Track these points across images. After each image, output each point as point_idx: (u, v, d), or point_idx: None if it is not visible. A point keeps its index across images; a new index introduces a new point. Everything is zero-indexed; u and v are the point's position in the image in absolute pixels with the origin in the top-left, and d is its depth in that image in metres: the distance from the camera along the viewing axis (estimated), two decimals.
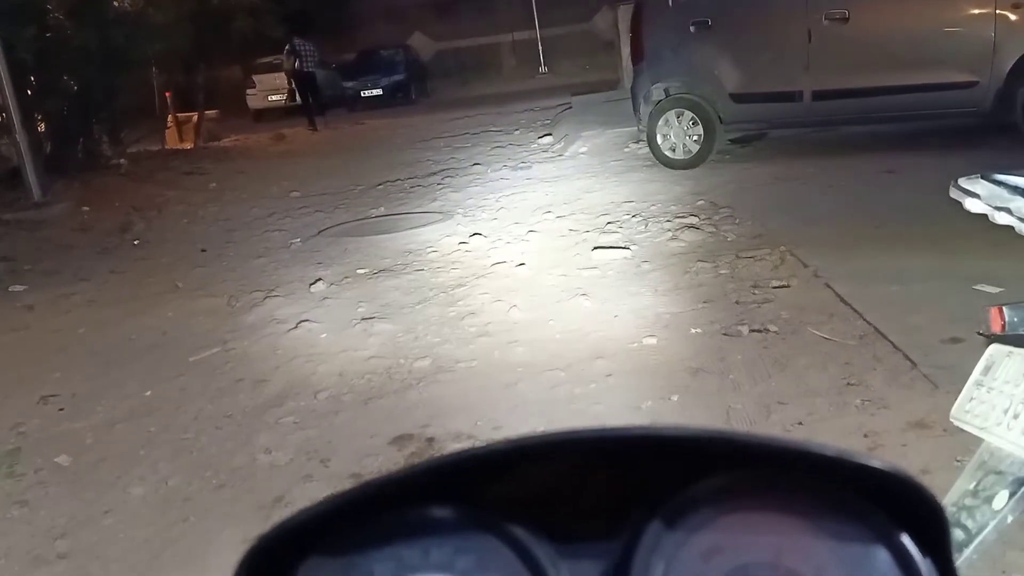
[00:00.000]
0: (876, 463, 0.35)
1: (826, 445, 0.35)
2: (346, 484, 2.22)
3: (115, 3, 10.90)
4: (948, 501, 1.12)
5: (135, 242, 6.72)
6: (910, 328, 3.15)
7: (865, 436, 2.48)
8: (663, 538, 0.36)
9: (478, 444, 0.37)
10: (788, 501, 0.36)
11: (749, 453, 0.36)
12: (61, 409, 3.44)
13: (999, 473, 1.07)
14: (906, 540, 0.36)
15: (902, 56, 6.04)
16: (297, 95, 15.62)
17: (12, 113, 8.36)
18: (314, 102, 15.31)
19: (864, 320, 3.30)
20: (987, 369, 1.14)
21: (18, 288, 5.52)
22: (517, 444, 0.36)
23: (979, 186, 1.22)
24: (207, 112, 14.25)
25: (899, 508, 0.36)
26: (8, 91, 8.30)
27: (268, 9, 14.63)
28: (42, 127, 9.96)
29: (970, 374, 1.24)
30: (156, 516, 2.54)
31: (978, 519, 1.05)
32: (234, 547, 2.31)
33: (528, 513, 0.37)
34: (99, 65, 9.62)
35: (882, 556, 0.36)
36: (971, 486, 1.08)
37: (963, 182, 1.23)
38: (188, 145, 13.13)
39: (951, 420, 1.14)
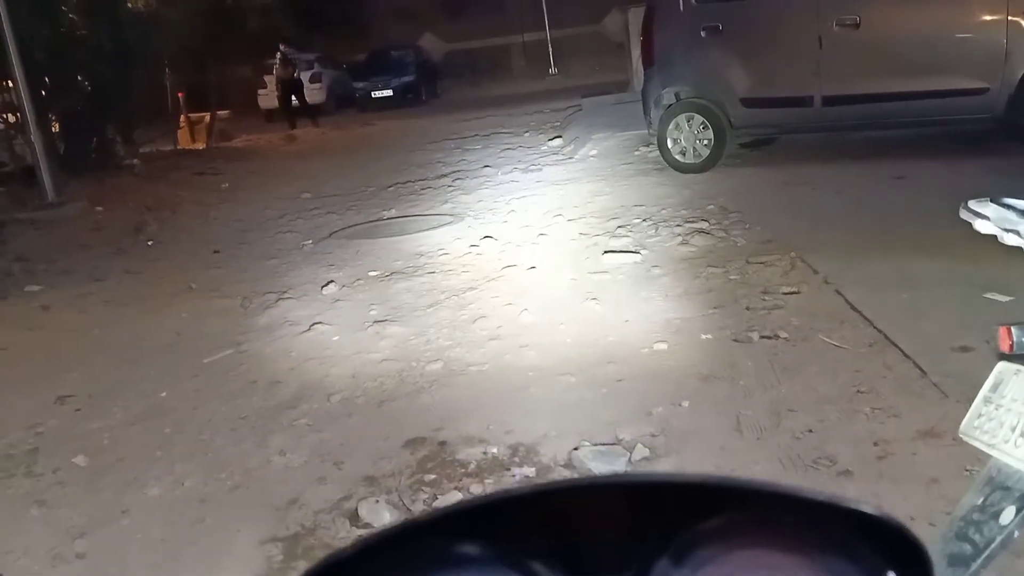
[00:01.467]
0: (867, 508, 0.39)
1: (821, 491, 0.39)
2: (359, 487, 2.25)
3: (129, 3, 10.99)
4: (956, 515, 1.14)
5: (149, 242, 6.78)
6: (920, 336, 3.16)
7: (875, 444, 2.49)
8: (670, 573, 0.40)
9: (499, 488, 0.42)
10: (787, 540, 0.40)
11: (751, 496, 0.40)
12: (78, 409, 3.48)
13: (1006, 489, 1.09)
14: None
15: (913, 62, 6.04)
16: (284, 100, 15.87)
17: (27, 113, 8.44)
18: (301, 106, 15.65)
19: (874, 327, 3.31)
20: (995, 386, 1.16)
21: (34, 288, 5.58)
22: (537, 488, 0.40)
23: (988, 208, 1.24)
24: (219, 112, 14.34)
25: (887, 549, 0.39)
26: (23, 91, 8.38)
27: (280, 9, 14.71)
28: (56, 127, 10.05)
29: (981, 384, 1.26)
30: (173, 516, 2.57)
31: (985, 534, 1.07)
32: (250, 547, 2.35)
33: (546, 550, 0.41)
34: (113, 65, 9.70)
35: None
36: (979, 501, 1.10)
37: (973, 204, 1.25)
38: (200, 145, 13.21)
39: (960, 435, 1.16)
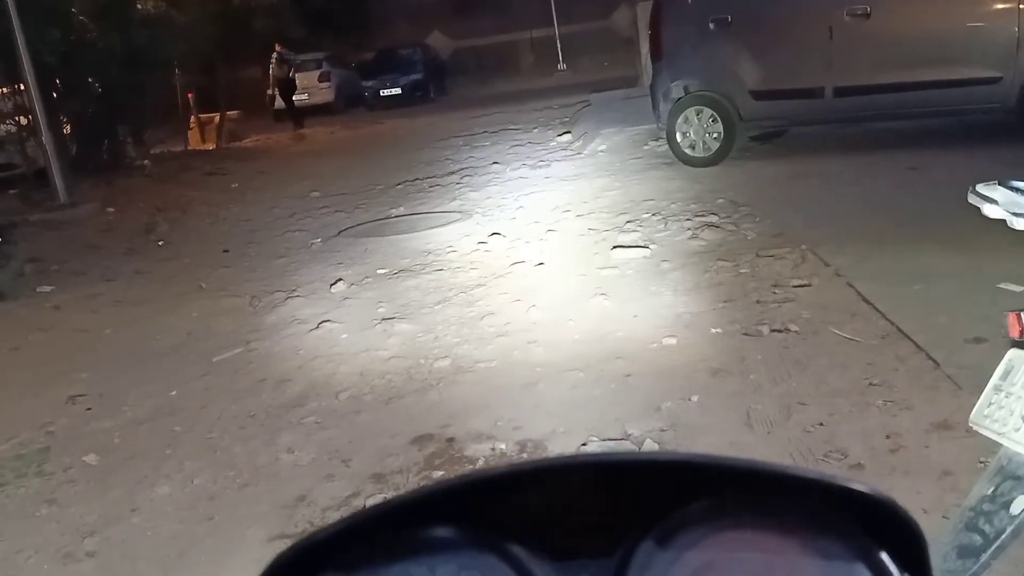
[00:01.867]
0: (858, 486, 0.37)
1: (810, 469, 0.37)
2: (367, 484, 2.24)
3: (139, 5, 11.04)
4: (966, 506, 1.12)
5: (159, 243, 6.81)
6: (933, 328, 3.13)
7: (887, 437, 2.47)
8: (655, 556, 0.39)
9: (480, 467, 0.40)
10: (776, 521, 0.38)
11: (738, 477, 0.38)
12: (89, 408, 3.50)
13: (1017, 478, 1.07)
14: (885, 558, 0.38)
15: (924, 52, 5.98)
16: (282, 100, 15.93)
17: (38, 115, 8.50)
18: (288, 108, 15.74)
19: (886, 320, 3.28)
20: (1006, 374, 1.14)
21: (46, 288, 5.61)
22: (516, 468, 0.39)
23: (997, 192, 1.22)
24: (228, 112, 14.38)
25: (881, 528, 0.38)
26: (34, 93, 8.43)
27: (288, 10, 14.75)
28: (67, 129, 10.11)
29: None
30: (182, 514, 2.58)
31: (996, 524, 1.05)
32: (259, 545, 2.35)
33: (527, 533, 0.40)
34: (123, 67, 9.75)
35: (863, 573, 0.37)
36: (989, 491, 1.08)
37: (981, 188, 1.22)
38: (210, 145, 13.27)
39: (970, 425, 1.14)
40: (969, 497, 1.11)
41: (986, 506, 1.06)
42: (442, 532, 0.39)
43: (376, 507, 0.38)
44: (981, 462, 2.27)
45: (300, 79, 19.01)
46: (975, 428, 1.13)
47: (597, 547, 0.39)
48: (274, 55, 15.51)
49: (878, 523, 0.38)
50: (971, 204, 1.25)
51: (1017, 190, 1.18)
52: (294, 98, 18.96)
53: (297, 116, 15.73)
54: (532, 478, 0.39)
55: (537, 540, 0.39)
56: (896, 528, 0.38)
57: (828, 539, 0.38)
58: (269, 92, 16.17)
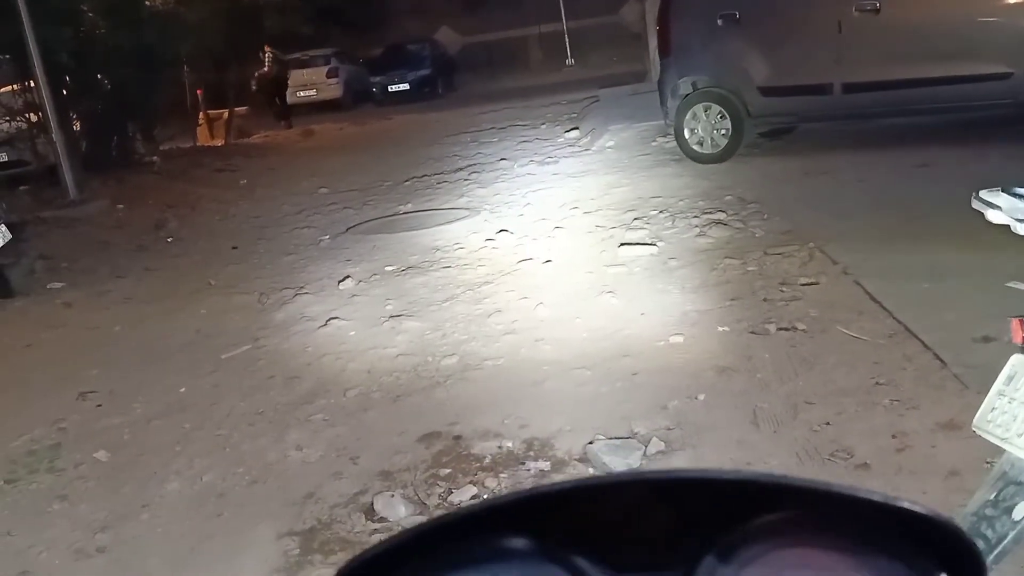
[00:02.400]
0: (920, 509, 0.38)
1: (874, 491, 0.38)
2: (375, 481, 2.26)
3: (148, 3, 11.07)
4: (968, 511, 1.12)
5: (169, 240, 6.84)
6: (941, 326, 3.12)
7: (893, 436, 2.47)
8: (717, 570, 0.39)
9: (544, 482, 0.41)
10: (836, 540, 0.39)
11: (798, 496, 0.39)
12: (99, 405, 3.53)
13: (1020, 484, 1.07)
14: None
15: (935, 47, 5.94)
16: (270, 97, 15.91)
17: (48, 112, 8.54)
18: (280, 107, 15.74)
19: (894, 318, 3.27)
20: (1009, 379, 1.14)
21: (56, 285, 5.65)
22: (580, 483, 0.40)
23: (1000, 198, 1.22)
24: (237, 109, 14.42)
25: (940, 552, 0.38)
26: (44, 90, 8.47)
27: (297, 6, 14.76)
28: (78, 126, 10.16)
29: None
30: (192, 511, 2.60)
31: (998, 529, 1.06)
32: (267, 541, 2.37)
33: (590, 545, 0.40)
34: (133, 64, 9.78)
35: None
36: (991, 496, 1.08)
37: (984, 194, 1.23)
38: (219, 142, 13.30)
39: (973, 429, 1.14)
40: (971, 502, 1.11)
41: (988, 511, 1.07)
42: (506, 542, 0.40)
43: (439, 518, 0.39)
44: (988, 462, 2.27)
45: (308, 75, 19.08)
46: (979, 432, 1.14)
47: (659, 560, 0.40)
48: (264, 55, 15.49)
49: (937, 546, 0.38)
50: (975, 209, 1.25)
51: (1020, 196, 1.19)
52: (299, 95, 19.07)
53: (286, 115, 15.71)
54: (596, 493, 0.41)
55: (600, 553, 0.40)
56: (956, 553, 0.38)
57: (888, 560, 0.39)
58: (256, 88, 16.12)
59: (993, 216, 1.22)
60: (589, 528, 0.40)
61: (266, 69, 15.77)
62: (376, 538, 2.31)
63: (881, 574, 0.38)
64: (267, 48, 15.64)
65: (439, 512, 2.46)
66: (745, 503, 0.40)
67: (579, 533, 0.40)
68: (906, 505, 0.38)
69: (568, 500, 0.40)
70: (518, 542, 0.40)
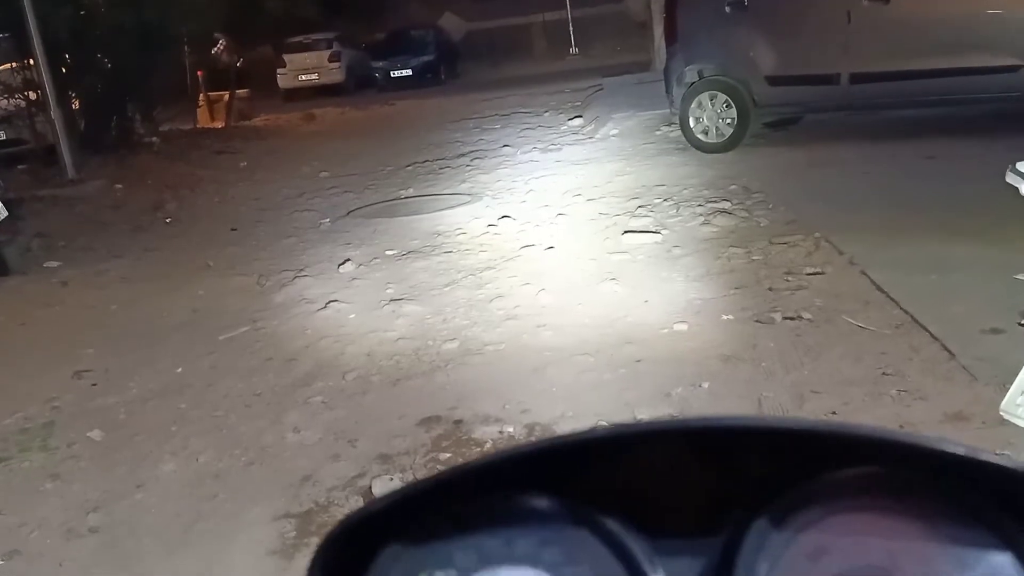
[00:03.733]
0: (1005, 463, 0.32)
1: (949, 440, 0.32)
2: (373, 465, 2.21)
3: None
4: None
5: (167, 220, 6.79)
6: (949, 318, 3.08)
7: (901, 427, 2.43)
8: (769, 537, 0.34)
9: (567, 432, 0.35)
10: (905, 502, 0.33)
11: (864, 448, 0.33)
12: (94, 384, 3.48)
13: None
14: None
15: (943, 39, 5.88)
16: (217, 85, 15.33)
17: (47, 91, 8.46)
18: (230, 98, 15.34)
19: (901, 309, 3.23)
20: None
21: (53, 264, 5.60)
22: (611, 432, 0.34)
23: None
24: (238, 91, 14.32)
25: None
26: (43, 69, 8.40)
27: None
28: (77, 105, 10.07)
29: (1012, 366, 1.20)
30: (187, 492, 2.56)
31: None
32: (263, 523, 2.33)
33: (622, 505, 0.35)
34: (133, 44, 9.70)
35: (1007, 562, 0.33)
36: None
37: (1021, 166, 1.18)
38: (219, 124, 13.21)
39: (1001, 413, 1.10)
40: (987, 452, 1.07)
41: None
42: (523, 500, 0.35)
43: (447, 472, 0.34)
44: (997, 454, 2.24)
45: (310, 59, 18.97)
46: (1006, 417, 1.09)
47: (701, 524, 0.35)
48: (220, 42, 14.87)
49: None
50: (1008, 184, 1.21)
51: None
52: (300, 79, 18.95)
53: (227, 111, 15.12)
54: (629, 444, 0.35)
55: (633, 514, 0.35)
56: None
57: (963, 523, 0.33)
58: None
59: None
60: (621, 485, 0.35)
61: (227, 59, 14.92)
62: None
63: (955, 539, 0.33)
64: (219, 37, 14.75)
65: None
66: (801, 457, 0.34)
67: (609, 491, 0.35)
68: (990, 459, 0.32)
69: (597, 452, 0.35)
70: (539, 501, 0.35)
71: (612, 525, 0.35)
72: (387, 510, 0.34)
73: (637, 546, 0.34)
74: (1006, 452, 2.19)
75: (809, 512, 0.34)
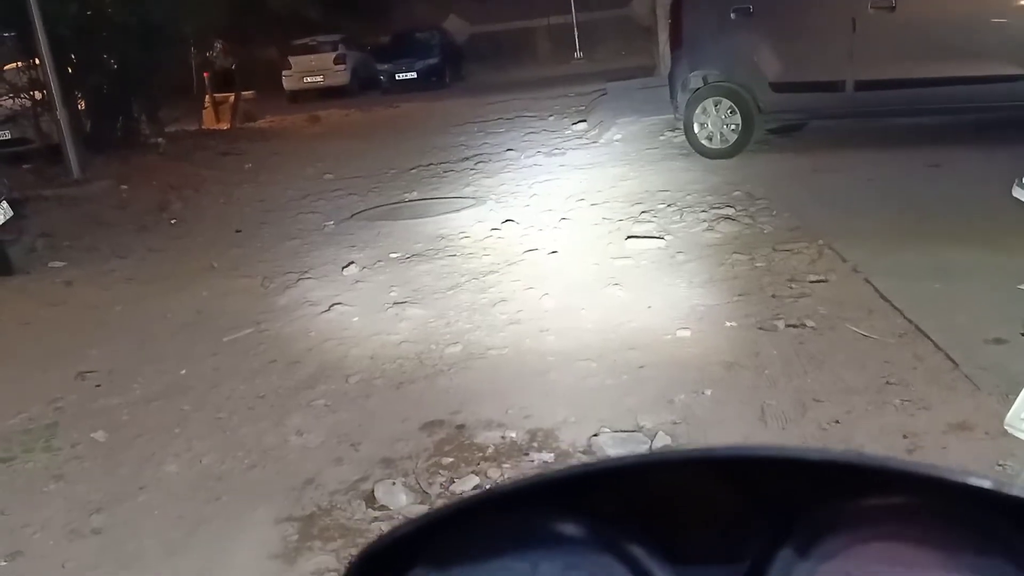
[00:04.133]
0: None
1: (976, 473, 0.32)
2: (376, 468, 2.22)
3: None
4: None
5: (172, 221, 6.80)
6: (952, 327, 3.08)
7: (904, 437, 2.43)
8: (793, 566, 0.34)
9: (594, 459, 0.36)
10: (929, 532, 0.34)
11: (889, 479, 0.34)
12: (98, 385, 3.49)
13: None
14: None
15: (948, 47, 5.88)
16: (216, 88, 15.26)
17: (53, 91, 8.49)
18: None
19: (904, 318, 3.23)
20: None
21: (57, 264, 5.61)
22: (638, 460, 0.35)
23: None
24: (244, 93, 14.34)
25: None
26: (49, 68, 8.42)
27: None
28: (82, 105, 10.10)
29: (1015, 376, 1.20)
30: (189, 494, 2.56)
31: None
32: (266, 526, 2.33)
33: (647, 532, 0.35)
34: (139, 44, 9.72)
35: None
36: None
37: None
38: (225, 125, 13.24)
39: (1005, 427, 1.10)
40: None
41: None
42: (549, 524, 0.35)
43: (476, 496, 0.35)
44: (1000, 464, 2.24)
45: (315, 61, 19.01)
46: (1011, 431, 1.10)
47: (725, 551, 0.35)
48: (217, 45, 14.85)
49: None
50: (1015, 198, 1.21)
51: None
52: (305, 81, 18.98)
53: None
54: (655, 471, 0.35)
55: (658, 541, 0.35)
56: None
57: (986, 554, 0.33)
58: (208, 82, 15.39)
59: None
60: (646, 512, 0.35)
61: (224, 62, 14.88)
62: (376, 526, 2.27)
63: (982, 573, 0.33)
64: (217, 42, 14.66)
65: (441, 502, 2.44)
66: (824, 487, 0.34)
67: (635, 517, 0.35)
68: (1015, 492, 0.32)
69: (623, 478, 0.35)
70: (565, 525, 0.35)
71: (637, 551, 0.35)
72: (413, 534, 0.35)
73: (661, 572, 0.35)
74: (1008, 463, 2.19)
75: (833, 541, 0.34)
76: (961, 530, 0.33)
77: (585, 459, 2.51)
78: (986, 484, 0.32)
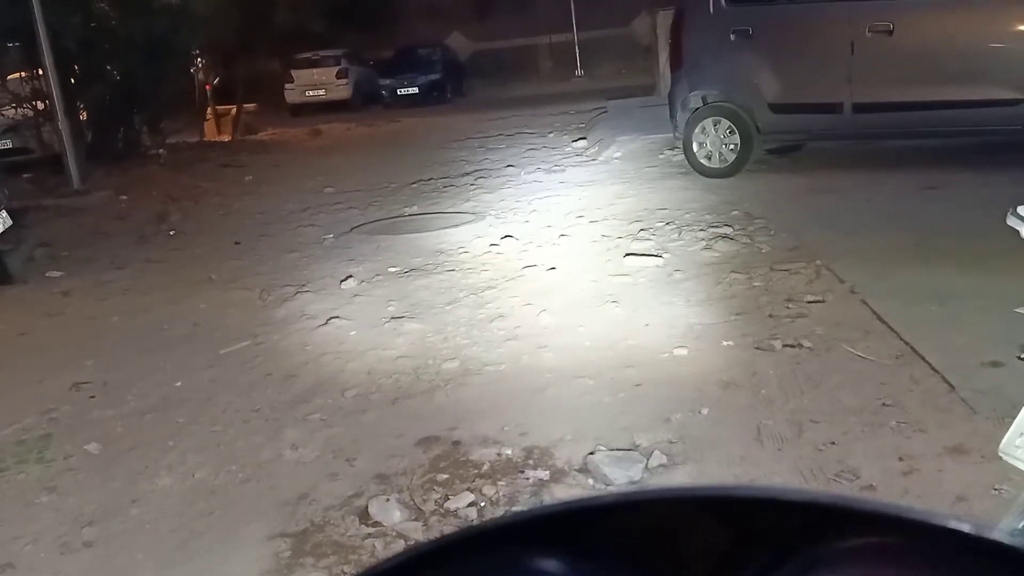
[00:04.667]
0: (1009, 543, 0.32)
1: (962, 518, 0.32)
2: (371, 484, 2.21)
3: None
4: None
5: (171, 232, 6.80)
6: (949, 349, 3.08)
7: (900, 459, 2.42)
8: None
9: (579, 496, 0.36)
10: (911, 573, 0.34)
11: (869, 521, 0.34)
12: (93, 397, 3.48)
13: None
14: None
15: (946, 71, 5.92)
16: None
17: (55, 101, 8.52)
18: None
19: (901, 339, 3.23)
20: None
21: (55, 274, 5.61)
22: (620, 499, 0.35)
23: None
24: (245, 105, 14.40)
25: None
26: (52, 79, 8.46)
27: (310, 5, 14.76)
28: (84, 116, 10.14)
29: (1012, 400, 1.20)
30: (182, 508, 2.55)
31: None
32: (258, 542, 2.32)
33: (632, 570, 0.35)
34: (142, 56, 9.77)
35: None
36: (1020, 525, 1.04)
37: (1022, 210, 1.18)
38: (226, 137, 13.29)
39: (1000, 454, 1.09)
40: (996, 531, 1.06)
41: (1017, 541, 1.02)
42: (533, 563, 0.35)
43: (456, 534, 0.35)
44: (996, 489, 2.23)
45: (318, 75, 19.10)
46: (1005, 458, 1.09)
47: None
48: (199, 59, 14.84)
49: None
50: (1009, 227, 1.21)
51: None
52: (307, 94, 19.07)
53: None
54: (634, 510, 0.36)
55: None
56: None
57: None
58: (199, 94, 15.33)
59: None
60: (632, 551, 0.35)
61: (198, 76, 14.83)
62: (369, 543, 2.26)
63: None
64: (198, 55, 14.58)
65: (435, 519, 2.43)
66: (806, 528, 0.34)
67: (620, 556, 0.35)
68: (1000, 539, 0.32)
69: (610, 516, 0.35)
70: (552, 564, 0.35)
71: None
72: (391, 572, 0.34)
73: None
74: (1004, 488, 2.18)
75: None
76: (941, 571, 0.33)
77: (580, 477, 2.51)
78: (972, 529, 0.32)
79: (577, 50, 23.80)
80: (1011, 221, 1.21)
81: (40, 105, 9.35)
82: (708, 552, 0.35)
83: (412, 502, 2.44)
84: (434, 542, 0.34)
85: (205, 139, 12.82)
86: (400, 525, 2.32)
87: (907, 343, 3.19)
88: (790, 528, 0.34)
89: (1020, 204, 1.20)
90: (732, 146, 6.80)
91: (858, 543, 0.34)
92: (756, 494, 0.35)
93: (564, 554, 0.35)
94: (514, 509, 2.32)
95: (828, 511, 0.35)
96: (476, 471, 2.58)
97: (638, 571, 0.35)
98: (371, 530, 2.33)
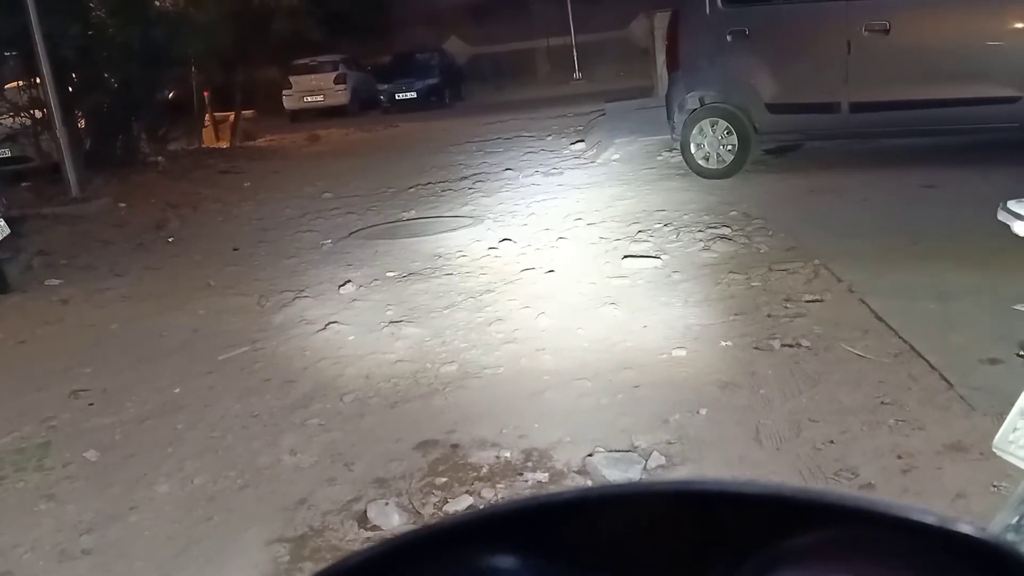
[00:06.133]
0: (982, 536, 0.32)
1: (926, 510, 0.32)
2: (369, 489, 2.21)
3: (157, 2, 11.08)
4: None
5: (170, 239, 6.81)
6: (947, 347, 3.08)
7: (899, 457, 2.42)
8: None
9: (542, 492, 0.36)
10: (879, 567, 0.33)
11: (838, 514, 0.34)
12: (91, 404, 3.48)
13: None
14: None
15: (943, 69, 5.92)
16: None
17: (53, 109, 8.52)
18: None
19: (899, 338, 3.23)
20: None
21: (54, 282, 5.61)
22: (581, 494, 0.35)
23: None
24: (244, 112, 14.41)
25: None
26: (50, 87, 8.46)
27: (307, 11, 14.79)
28: (82, 123, 10.15)
29: (1009, 397, 1.19)
30: (181, 514, 2.55)
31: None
32: (257, 547, 2.32)
33: (591, 568, 0.35)
34: (140, 63, 9.79)
35: None
36: (1013, 521, 1.04)
37: (1012, 204, 1.18)
38: (224, 144, 13.30)
39: (994, 450, 1.09)
40: (991, 527, 1.06)
41: (1010, 536, 1.02)
42: (495, 562, 0.35)
43: (416, 532, 0.34)
44: (995, 486, 2.23)
45: (316, 80, 19.13)
46: (999, 453, 1.09)
47: None
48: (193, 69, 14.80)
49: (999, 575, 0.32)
50: (1000, 221, 1.21)
51: None
52: (306, 100, 19.09)
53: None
54: (599, 506, 0.35)
55: (609, 574, 0.35)
56: None
57: None
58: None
59: (1020, 228, 1.18)
60: (590, 548, 0.35)
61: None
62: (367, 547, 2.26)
63: None
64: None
65: (433, 521, 2.42)
66: (774, 521, 0.34)
67: (585, 553, 0.35)
68: (964, 529, 0.32)
69: (567, 513, 0.35)
70: (507, 560, 0.35)
71: None
72: (351, 571, 0.34)
73: None
74: (1003, 484, 2.18)
75: (784, 572, 0.34)
76: (908, 562, 0.33)
77: (579, 479, 2.51)
78: (943, 523, 0.32)
79: (575, 53, 23.81)
80: (1002, 216, 1.21)
81: (38, 114, 9.35)
82: (672, 548, 0.35)
83: (411, 506, 2.43)
84: (389, 542, 0.34)
85: (204, 146, 12.83)
86: (399, 529, 2.32)
87: (905, 341, 3.19)
88: (755, 522, 0.34)
89: (1011, 199, 1.20)
90: (730, 147, 6.80)
91: (822, 536, 0.34)
92: (720, 488, 0.35)
93: (522, 552, 0.34)
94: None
95: (793, 504, 0.34)
96: (475, 474, 2.58)
97: (600, 569, 0.35)
98: (370, 534, 2.32)
